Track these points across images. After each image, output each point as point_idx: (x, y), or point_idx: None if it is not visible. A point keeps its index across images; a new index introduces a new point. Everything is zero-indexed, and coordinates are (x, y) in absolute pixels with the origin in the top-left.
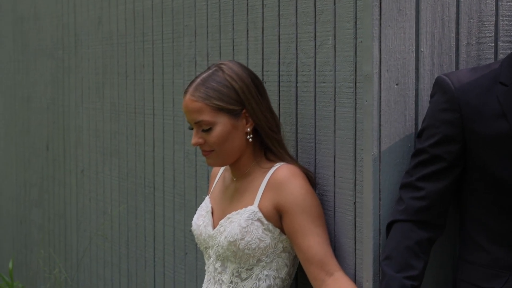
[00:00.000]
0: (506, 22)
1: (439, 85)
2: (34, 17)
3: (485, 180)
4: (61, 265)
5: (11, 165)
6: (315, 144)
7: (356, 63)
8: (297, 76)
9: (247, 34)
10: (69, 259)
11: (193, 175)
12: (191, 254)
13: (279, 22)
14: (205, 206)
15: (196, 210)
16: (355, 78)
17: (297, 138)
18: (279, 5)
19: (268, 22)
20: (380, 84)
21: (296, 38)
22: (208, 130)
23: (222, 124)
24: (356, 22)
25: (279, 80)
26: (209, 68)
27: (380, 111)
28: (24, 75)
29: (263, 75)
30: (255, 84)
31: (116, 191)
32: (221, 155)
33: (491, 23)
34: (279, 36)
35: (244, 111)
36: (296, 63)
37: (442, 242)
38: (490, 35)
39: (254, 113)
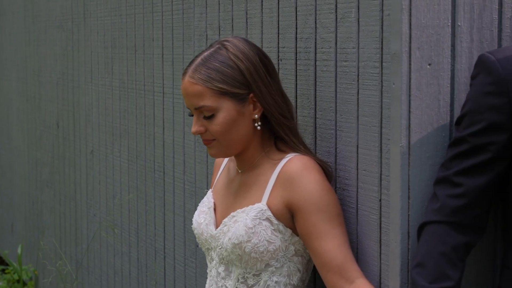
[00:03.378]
0: None
1: (483, 65)
2: None
3: None
4: (71, 251)
5: (23, 143)
6: (336, 131)
7: (382, 39)
8: (316, 53)
9: (262, 5)
10: (80, 244)
11: (204, 161)
12: None
13: None
14: (207, 202)
15: None
16: (381, 57)
17: (315, 124)
18: None
19: None
20: (410, 64)
21: (315, 10)
22: (210, 117)
23: (226, 110)
24: None
25: (296, 58)
26: (211, 46)
27: (409, 96)
28: (35, 47)
29: (278, 52)
30: (263, 63)
31: (126, 174)
32: (224, 145)
33: None
34: (296, 8)
35: (251, 95)
36: (315, 38)
37: (480, 247)
38: None
39: (262, 97)
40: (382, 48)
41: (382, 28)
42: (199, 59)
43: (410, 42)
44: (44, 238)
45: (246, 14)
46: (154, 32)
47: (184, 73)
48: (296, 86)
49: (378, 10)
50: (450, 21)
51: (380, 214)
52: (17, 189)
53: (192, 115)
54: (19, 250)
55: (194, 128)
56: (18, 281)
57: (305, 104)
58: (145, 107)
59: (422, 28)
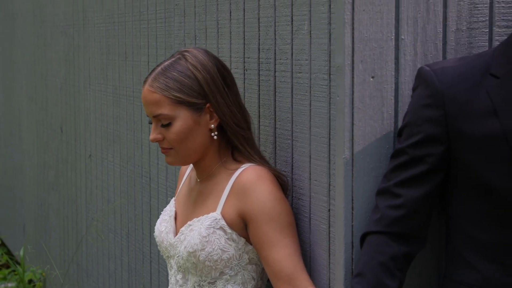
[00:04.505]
0: (503, 5)
1: (421, 78)
2: None
3: (474, 187)
4: (72, 254)
5: (33, 145)
6: (292, 141)
7: (330, 52)
8: (275, 64)
9: (230, 16)
10: (80, 247)
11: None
12: None
13: (259, 3)
14: (169, 210)
15: None
16: (329, 70)
17: (275, 134)
18: None
19: (249, 3)
20: (352, 77)
21: (275, 22)
22: (168, 125)
23: (182, 119)
24: (330, 6)
25: (259, 68)
26: (172, 56)
27: (352, 108)
28: (42, 51)
29: (244, 62)
30: (222, 74)
31: (118, 179)
32: (181, 154)
33: (485, 5)
34: (259, 19)
35: (208, 105)
36: (275, 49)
37: (424, 258)
38: (484, 20)
39: (219, 107)
40: (330, 60)
41: (330, 41)
42: (159, 69)
43: (353, 56)
44: (51, 240)
45: (217, 24)
46: (141, 40)
47: (144, 82)
48: (259, 96)
49: (326, 23)
50: (393, 34)
51: (329, 223)
52: (27, 191)
53: (152, 123)
54: (21, 252)
55: (152, 136)
56: (29, 281)
57: (266, 114)
58: (134, 113)
59: (365, 41)
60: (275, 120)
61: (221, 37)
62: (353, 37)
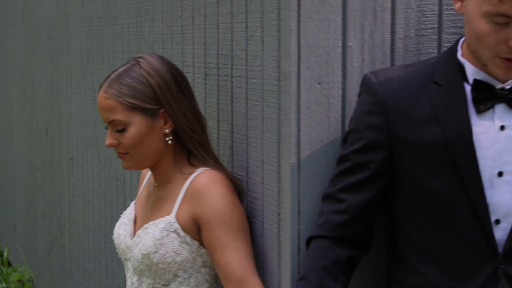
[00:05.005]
0: (452, 12)
1: (365, 84)
2: None
3: (416, 193)
4: (57, 255)
5: (22, 147)
6: (247, 146)
7: (279, 58)
8: (232, 70)
9: (193, 21)
10: (64, 248)
11: None
12: None
13: (217, 9)
14: (129, 213)
15: None
16: (279, 76)
17: (232, 139)
18: None
19: (209, 10)
20: (299, 83)
21: (232, 28)
22: (122, 131)
23: (136, 124)
24: (279, 13)
25: (218, 73)
26: (127, 62)
27: (299, 114)
28: (30, 54)
29: (205, 67)
30: (176, 80)
31: (97, 181)
32: (136, 158)
33: (434, 13)
34: (217, 25)
35: (162, 110)
36: (232, 55)
37: (371, 263)
38: (433, 27)
39: (173, 112)
40: (279, 67)
41: (279, 47)
42: (113, 75)
43: (299, 62)
44: (38, 241)
45: (182, 29)
46: (116, 44)
47: (100, 88)
48: (218, 101)
49: (276, 30)
50: (340, 41)
51: (279, 227)
52: (17, 193)
53: (107, 129)
54: (5, 253)
55: (107, 141)
56: (19, 281)
57: (224, 119)
58: None
59: (312, 48)
60: (232, 125)
61: (185, 42)
62: (299, 44)
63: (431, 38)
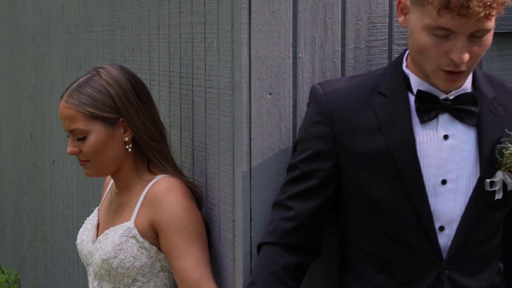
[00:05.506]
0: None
1: (312, 95)
2: (22, 0)
3: (362, 201)
4: (40, 257)
5: (9, 150)
6: (206, 153)
7: (233, 69)
8: (193, 79)
9: (159, 31)
10: (47, 251)
11: None
12: None
13: (180, 20)
14: (92, 219)
15: None
16: (233, 86)
17: (193, 146)
18: (180, 2)
19: (173, 20)
20: (250, 94)
21: (192, 38)
22: (83, 139)
23: (96, 133)
24: (233, 25)
25: (180, 82)
26: (88, 72)
27: (250, 124)
28: (16, 59)
29: (169, 76)
30: (135, 90)
31: (76, 185)
32: (97, 166)
33: (384, 25)
34: (180, 35)
35: (121, 119)
36: (192, 65)
37: (324, 270)
38: (383, 38)
39: (132, 121)
40: (233, 77)
41: (233, 58)
42: (74, 85)
43: (250, 73)
44: (23, 243)
45: (149, 38)
46: (92, 51)
47: (61, 98)
48: (181, 109)
49: (230, 42)
50: (291, 53)
51: (234, 233)
52: (5, 195)
53: (69, 137)
54: None
55: (69, 149)
56: (6, 282)
57: (186, 127)
58: None
59: (262, 59)
60: (193, 133)
61: (152, 51)
62: (250, 56)
63: (382, 49)
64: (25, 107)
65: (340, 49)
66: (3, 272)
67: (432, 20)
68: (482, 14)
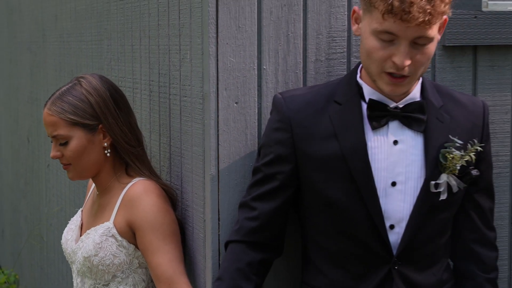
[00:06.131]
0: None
1: (273, 104)
2: (19, 8)
3: (318, 201)
4: (37, 258)
5: (8, 154)
6: (181, 158)
7: (203, 79)
8: (170, 88)
9: (140, 41)
10: (44, 252)
11: None
12: None
13: (158, 32)
14: (75, 220)
15: None
16: (203, 95)
17: (170, 151)
18: (158, 15)
19: (152, 31)
20: (217, 102)
21: (169, 50)
22: (65, 144)
23: (77, 138)
24: (203, 38)
25: (159, 91)
26: (70, 81)
27: (218, 130)
28: (14, 66)
29: (149, 85)
30: (114, 98)
31: (68, 188)
32: (78, 169)
33: (343, 38)
34: (158, 46)
35: (100, 125)
36: (169, 75)
37: (287, 266)
38: (342, 51)
39: (110, 127)
40: (203, 87)
41: (203, 69)
42: (57, 93)
43: (217, 84)
44: (21, 245)
45: (132, 49)
46: (82, 59)
47: (44, 105)
48: (160, 116)
49: (200, 54)
50: (256, 65)
51: (205, 232)
52: (5, 197)
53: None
54: None
55: (52, 153)
56: (6, 282)
57: (164, 133)
58: None
59: (229, 71)
60: (170, 138)
61: (135, 61)
62: (217, 67)
63: (341, 61)
64: (23, 112)
65: (301, 61)
66: (2, 272)
67: (378, 24)
68: (421, 19)
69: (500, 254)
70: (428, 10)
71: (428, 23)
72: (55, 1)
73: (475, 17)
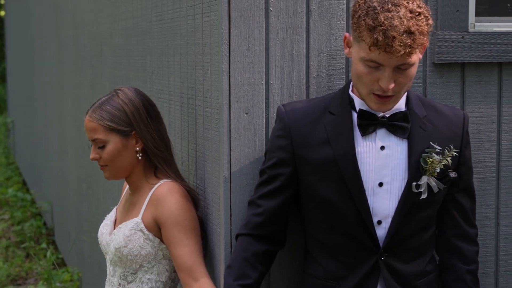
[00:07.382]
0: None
1: (277, 114)
2: (82, 24)
3: (314, 200)
4: (99, 255)
5: (72, 161)
6: (204, 162)
7: (218, 93)
8: (196, 99)
9: (174, 58)
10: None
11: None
12: None
13: (187, 49)
14: (111, 216)
15: None
16: (219, 106)
17: (196, 156)
18: (187, 34)
19: (183, 49)
20: (230, 113)
21: (195, 66)
22: (102, 147)
23: (113, 142)
24: (218, 56)
25: (188, 102)
26: (110, 92)
27: (230, 138)
28: (78, 78)
29: (181, 97)
30: (146, 108)
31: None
32: (113, 170)
33: (342, 57)
34: (187, 62)
35: (133, 132)
36: (195, 88)
37: (291, 257)
38: (341, 68)
39: (142, 134)
40: (219, 99)
41: (218, 83)
42: (97, 103)
43: (230, 96)
44: (85, 244)
45: (168, 64)
46: (130, 73)
47: (86, 113)
48: (188, 125)
49: (217, 70)
50: (264, 80)
51: (221, 228)
52: (70, 202)
53: (91, 146)
54: (48, 256)
55: (91, 156)
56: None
57: (191, 140)
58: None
59: (240, 85)
60: (196, 145)
61: (170, 75)
62: (229, 82)
63: (340, 77)
64: (83, 121)
65: (304, 77)
66: (67, 271)
67: (365, 54)
68: (403, 52)
69: (487, 251)
70: (409, 44)
71: (409, 54)
72: (110, 18)
73: (462, 37)
